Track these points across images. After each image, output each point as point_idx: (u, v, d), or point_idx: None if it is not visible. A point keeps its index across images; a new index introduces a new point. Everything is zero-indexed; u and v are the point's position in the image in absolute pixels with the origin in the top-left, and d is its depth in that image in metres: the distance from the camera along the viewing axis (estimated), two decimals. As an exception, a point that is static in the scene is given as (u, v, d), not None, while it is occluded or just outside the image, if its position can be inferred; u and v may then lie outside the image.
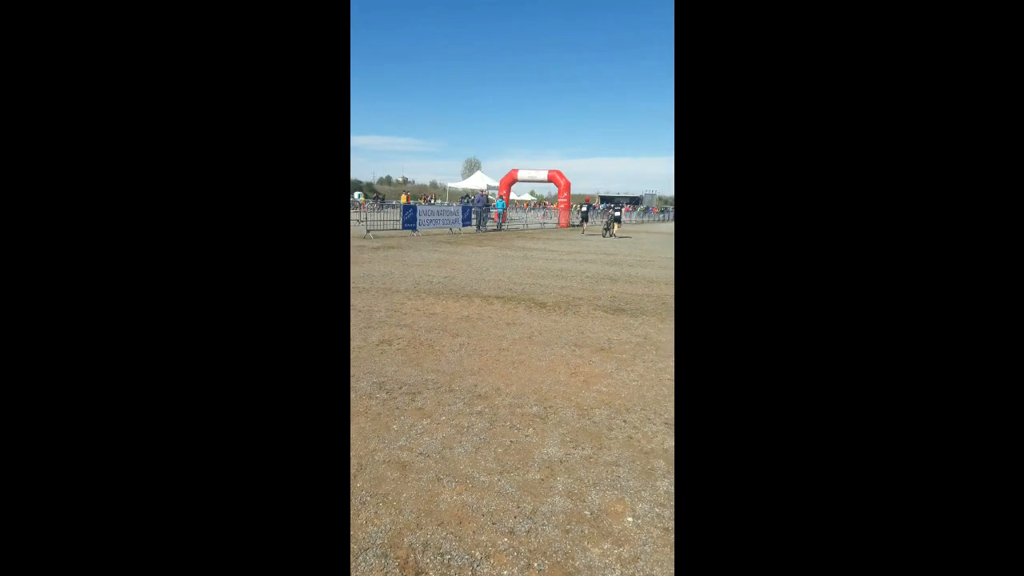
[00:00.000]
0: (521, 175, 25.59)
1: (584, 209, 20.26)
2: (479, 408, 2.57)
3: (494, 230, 17.90)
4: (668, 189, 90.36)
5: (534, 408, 2.60)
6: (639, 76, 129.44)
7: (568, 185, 24.91)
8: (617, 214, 18.69)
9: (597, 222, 22.83)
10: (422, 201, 25.86)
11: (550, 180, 25.30)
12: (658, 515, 1.75)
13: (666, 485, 1.92)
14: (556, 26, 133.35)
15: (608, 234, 17.39)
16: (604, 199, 49.20)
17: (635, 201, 42.49)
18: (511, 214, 24.61)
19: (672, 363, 3.41)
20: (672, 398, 2.78)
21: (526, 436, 2.29)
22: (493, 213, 19.11)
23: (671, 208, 56.58)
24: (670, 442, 2.27)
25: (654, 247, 14.06)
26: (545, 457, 2.11)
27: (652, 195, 53.42)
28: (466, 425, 2.38)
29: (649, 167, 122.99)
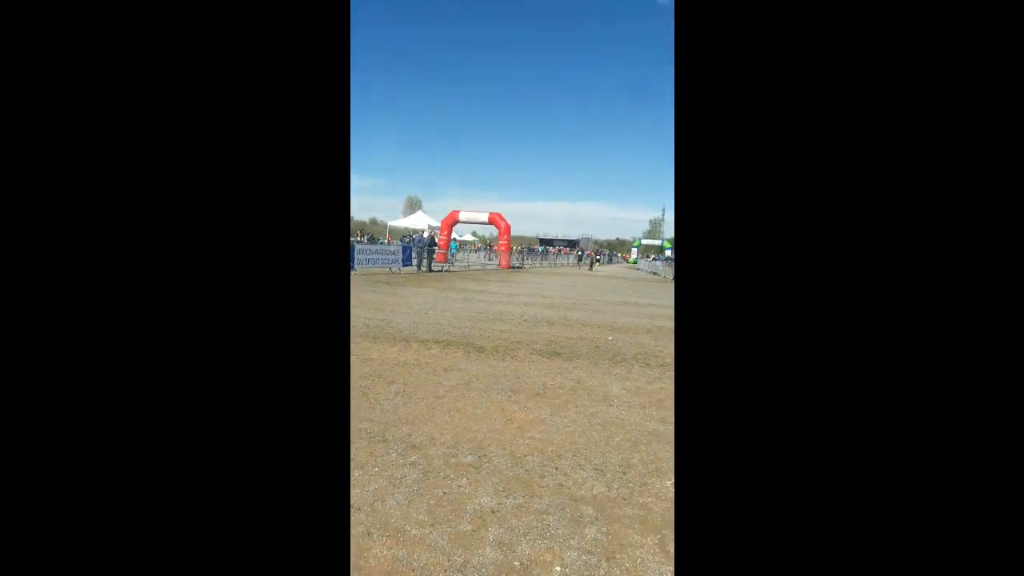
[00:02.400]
0: (462, 216, 25.88)
1: (579, 254, 37.58)
2: (413, 459, 2.56)
3: (439, 271, 17.88)
4: (604, 233, 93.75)
5: (468, 457, 2.62)
6: (577, 122, 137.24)
7: (508, 228, 25.46)
8: (598, 258, 33.39)
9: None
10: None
11: (491, 222, 25.79)
12: (585, 563, 1.81)
13: (593, 532, 2.00)
14: (492, 75, 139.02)
15: (591, 268, 30.22)
16: (543, 241, 50.59)
17: (571, 244, 43.91)
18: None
19: (602, 407, 3.56)
20: (602, 443, 2.90)
21: (459, 487, 2.31)
22: (440, 254, 19.69)
23: (605, 251, 58.81)
24: (599, 488, 2.36)
25: (588, 290, 14.59)
26: (478, 507, 2.13)
27: (588, 239, 55.44)
28: (399, 476, 2.36)
29: (584, 211, 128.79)
